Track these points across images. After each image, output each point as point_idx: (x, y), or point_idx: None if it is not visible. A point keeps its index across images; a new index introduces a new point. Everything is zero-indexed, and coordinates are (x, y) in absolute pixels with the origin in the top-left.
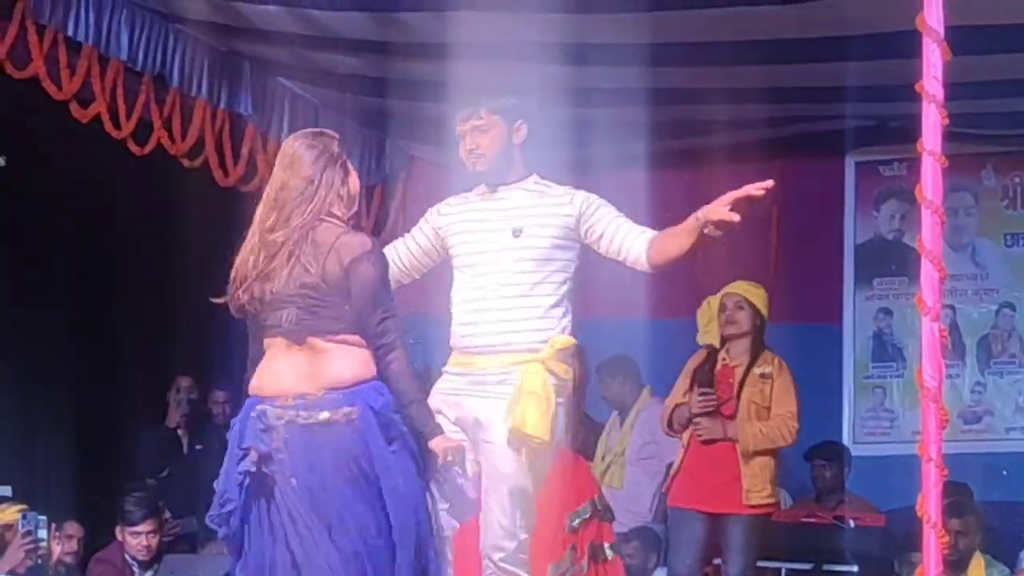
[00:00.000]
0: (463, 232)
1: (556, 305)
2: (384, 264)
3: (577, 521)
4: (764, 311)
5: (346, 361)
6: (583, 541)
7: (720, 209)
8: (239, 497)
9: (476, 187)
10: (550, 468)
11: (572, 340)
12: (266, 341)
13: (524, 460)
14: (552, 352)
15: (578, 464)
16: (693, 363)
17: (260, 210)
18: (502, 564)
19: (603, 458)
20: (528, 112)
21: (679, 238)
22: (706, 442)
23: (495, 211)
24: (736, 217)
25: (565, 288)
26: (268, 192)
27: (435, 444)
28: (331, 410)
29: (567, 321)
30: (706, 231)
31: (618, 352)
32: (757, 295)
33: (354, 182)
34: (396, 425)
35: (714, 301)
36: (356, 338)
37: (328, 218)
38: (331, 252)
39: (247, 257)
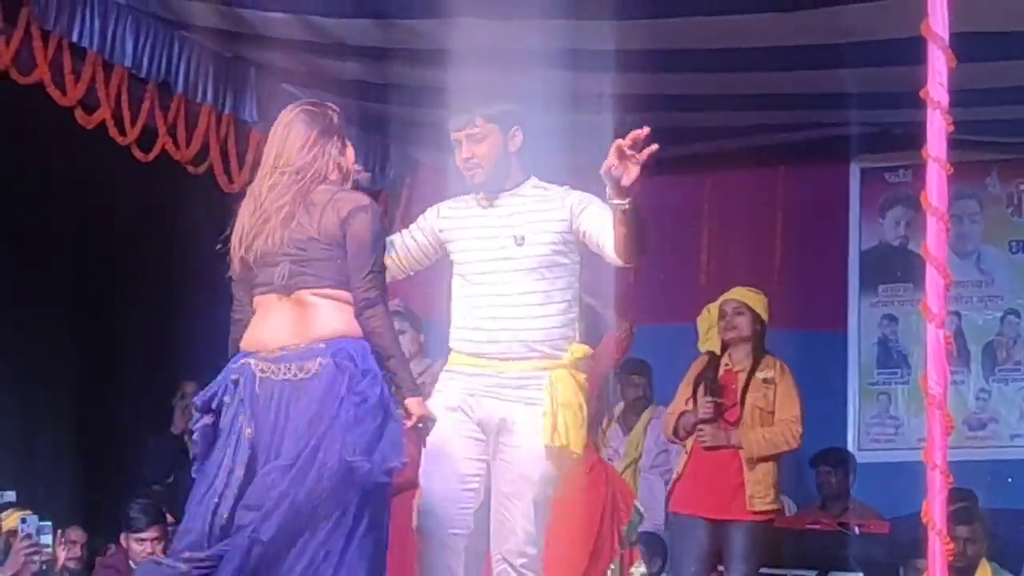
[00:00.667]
0: (465, 239)
1: (567, 310)
2: (380, 221)
3: (635, 536)
4: (764, 316)
5: (333, 315)
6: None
7: (608, 163)
8: (201, 446)
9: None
10: (584, 477)
11: (588, 348)
12: (257, 300)
13: (554, 470)
14: (574, 360)
15: (609, 470)
16: (695, 369)
17: (259, 174)
18: (523, 570)
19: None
20: (522, 118)
21: (616, 226)
22: (709, 448)
23: (496, 218)
24: (617, 165)
25: (572, 292)
26: (266, 157)
27: (412, 404)
28: (308, 360)
29: (579, 325)
30: (609, 201)
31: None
32: (756, 300)
33: (350, 155)
34: (362, 384)
35: (714, 308)
36: (346, 294)
37: (324, 183)
38: (328, 207)
39: (245, 218)
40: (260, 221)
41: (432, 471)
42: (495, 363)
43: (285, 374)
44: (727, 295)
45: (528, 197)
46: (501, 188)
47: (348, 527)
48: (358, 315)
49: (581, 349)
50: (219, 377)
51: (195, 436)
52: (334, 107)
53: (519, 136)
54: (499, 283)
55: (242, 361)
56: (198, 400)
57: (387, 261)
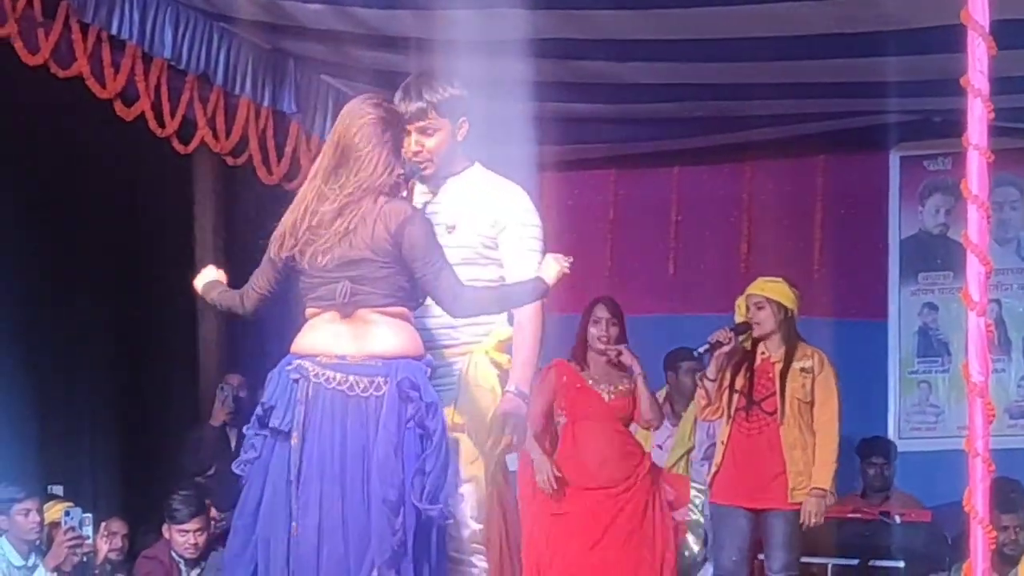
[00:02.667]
0: None
1: None
2: (429, 224)
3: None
4: (788, 303)
5: (392, 332)
6: None
7: None
8: (260, 448)
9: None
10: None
11: (511, 331)
12: (310, 310)
13: (474, 449)
14: (494, 343)
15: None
16: (733, 357)
17: (319, 169)
18: (452, 553)
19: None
20: (469, 105)
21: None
22: (748, 438)
23: (434, 204)
24: None
25: (499, 279)
26: (330, 156)
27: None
28: (367, 377)
29: (504, 315)
30: None
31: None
32: (776, 290)
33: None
34: (416, 403)
35: (742, 303)
36: (404, 311)
37: (377, 190)
38: (377, 221)
39: (299, 214)
40: (316, 226)
41: None
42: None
43: (340, 385)
44: (749, 289)
45: (468, 185)
46: (446, 175)
47: (413, 563)
48: (449, 306)
49: (504, 332)
50: (273, 379)
51: (251, 441)
52: (397, 108)
53: (466, 126)
54: None
55: (296, 362)
56: (259, 410)
57: None
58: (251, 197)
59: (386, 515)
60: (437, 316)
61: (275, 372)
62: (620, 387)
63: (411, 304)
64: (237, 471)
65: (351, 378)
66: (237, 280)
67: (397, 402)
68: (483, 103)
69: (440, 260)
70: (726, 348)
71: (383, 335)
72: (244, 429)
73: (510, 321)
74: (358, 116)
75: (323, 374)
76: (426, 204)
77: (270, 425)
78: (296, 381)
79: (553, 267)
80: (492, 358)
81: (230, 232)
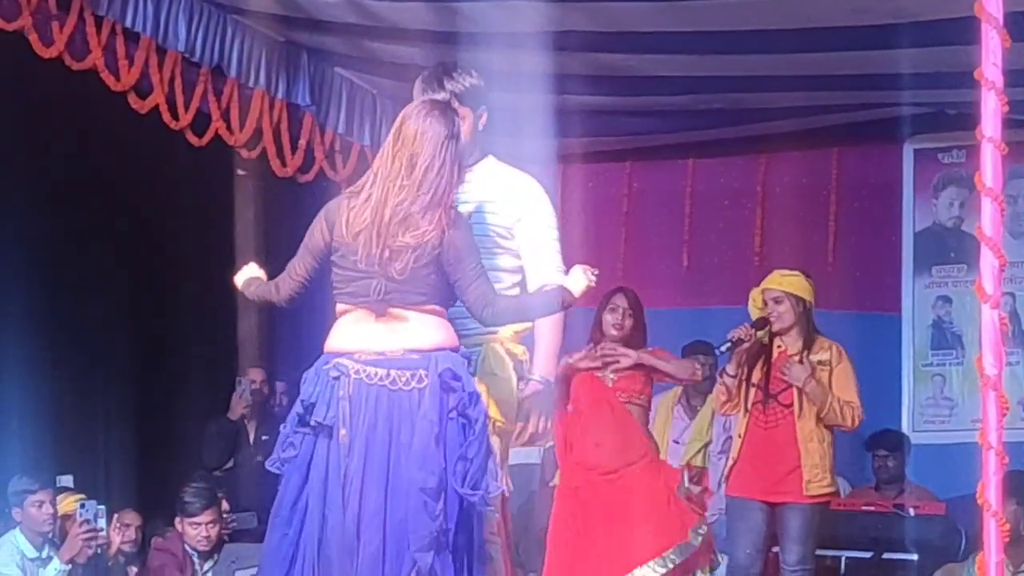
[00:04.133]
0: None
1: (510, 288)
2: (469, 230)
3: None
4: (806, 296)
5: (427, 326)
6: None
7: None
8: (300, 445)
9: None
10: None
11: (529, 324)
12: (341, 306)
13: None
14: (510, 334)
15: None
16: (749, 349)
17: (380, 168)
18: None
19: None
20: (488, 96)
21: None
22: (765, 431)
23: None
24: None
25: (517, 277)
26: (397, 159)
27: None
28: (408, 370)
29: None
30: None
31: (696, 338)
32: (793, 283)
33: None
34: (459, 393)
35: (757, 295)
36: (439, 308)
37: (446, 205)
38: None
39: (364, 214)
40: (369, 222)
41: None
42: None
43: (383, 380)
44: (765, 283)
45: (485, 176)
46: (464, 165)
47: (453, 551)
48: (479, 314)
49: (518, 324)
50: (311, 378)
51: (290, 440)
52: (457, 113)
53: (485, 116)
54: None
55: (335, 361)
56: (299, 408)
57: None
58: (271, 191)
59: (424, 501)
60: (454, 306)
61: (312, 372)
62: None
63: (445, 303)
64: (272, 469)
65: (393, 372)
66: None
67: (439, 392)
68: (498, 95)
69: (477, 267)
70: (746, 344)
71: (418, 330)
72: (280, 427)
73: None
74: (431, 133)
75: (364, 371)
76: (474, 195)
77: (313, 421)
78: (336, 379)
79: (580, 279)
80: (508, 348)
81: (250, 226)
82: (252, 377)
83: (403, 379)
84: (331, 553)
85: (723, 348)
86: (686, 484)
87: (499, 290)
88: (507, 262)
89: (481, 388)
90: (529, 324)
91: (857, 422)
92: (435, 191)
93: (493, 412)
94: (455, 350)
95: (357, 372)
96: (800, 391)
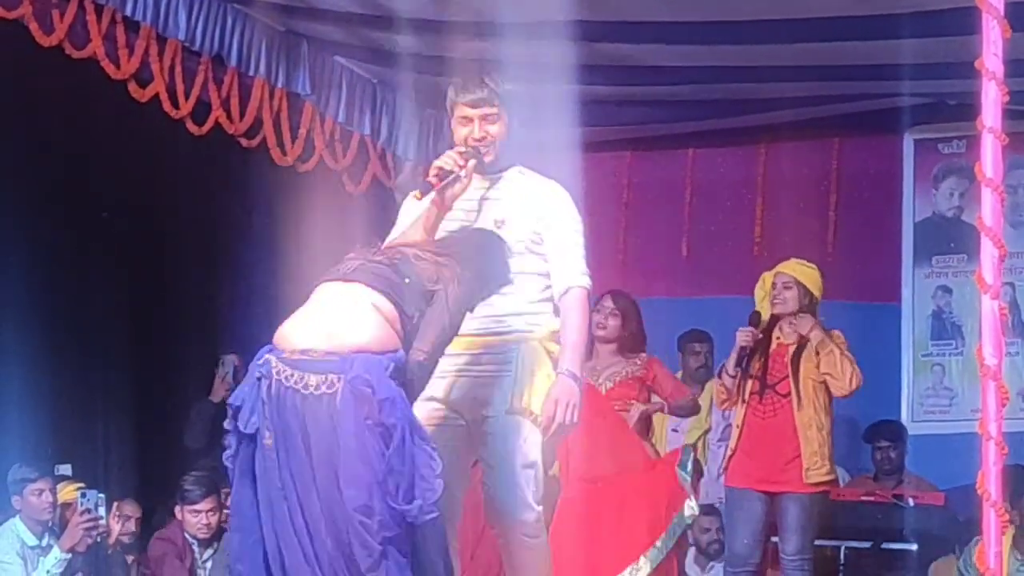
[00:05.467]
0: (449, 219)
1: (543, 288)
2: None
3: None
4: (815, 290)
5: (363, 324)
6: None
7: None
8: (236, 445)
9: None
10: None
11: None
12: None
13: (531, 434)
14: (547, 332)
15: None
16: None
17: None
18: (524, 537)
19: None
20: (518, 97)
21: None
22: (763, 421)
23: (481, 200)
24: None
25: (548, 282)
26: None
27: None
28: (320, 374)
29: (551, 306)
30: None
31: (693, 327)
32: (807, 274)
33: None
34: (370, 401)
35: (768, 278)
36: (389, 306)
37: None
38: None
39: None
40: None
41: None
42: (469, 340)
43: (296, 384)
44: (779, 267)
45: (515, 182)
46: (495, 170)
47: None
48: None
49: (554, 323)
50: (249, 375)
51: (228, 438)
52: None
53: (512, 119)
54: None
55: (265, 356)
56: (231, 409)
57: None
58: (268, 180)
59: (359, 520)
60: (491, 304)
61: (252, 365)
62: (626, 372)
63: (400, 301)
64: (227, 464)
65: (307, 376)
66: (261, 267)
67: (352, 400)
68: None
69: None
70: (751, 346)
71: (353, 326)
72: (224, 423)
73: (558, 314)
74: None
75: (283, 371)
76: (482, 198)
77: (237, 427)
78: (259, 379)
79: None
80: (546, 347)
81: (248, 215)
82: (224, 360)
83: (314, 384)
84: (291, 556)
85: (737, 366)
86: (689, 466)
87: (531, 295)
88: (537, 267)
89: (522, 387)
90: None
91: (855, 383)
92: None
93: (536, 409)
94: (382, 353)
95: (279, 372)
96: (797, 381)
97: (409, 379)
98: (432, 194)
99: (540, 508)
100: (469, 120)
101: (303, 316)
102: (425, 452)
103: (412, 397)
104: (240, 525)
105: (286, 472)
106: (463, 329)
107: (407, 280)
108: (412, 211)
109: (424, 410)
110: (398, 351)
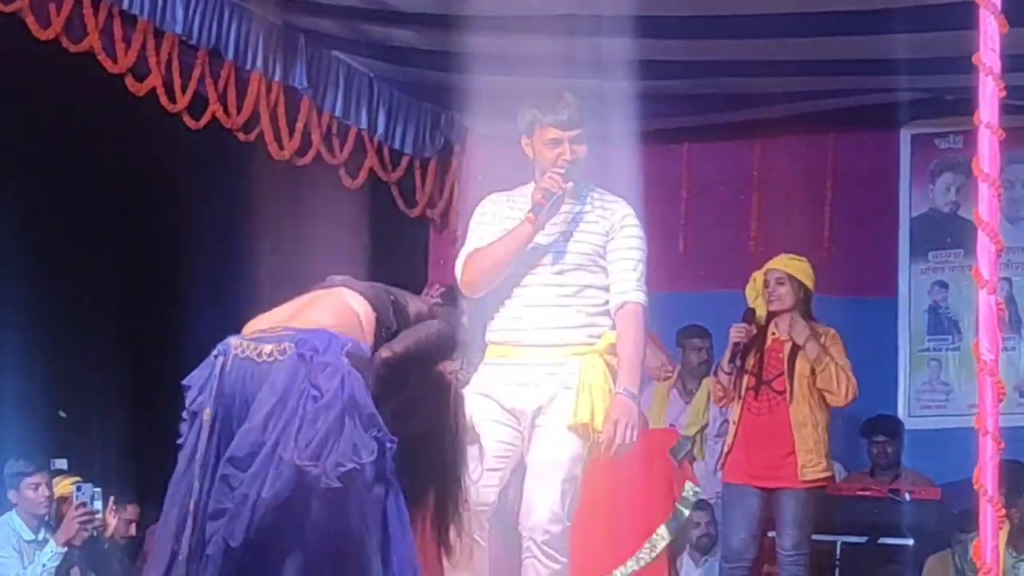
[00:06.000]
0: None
1: (603, 302)
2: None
3: (682, 454)
4: (808, 283)
5: (326, 311)
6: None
7: None
8: (187, 434)
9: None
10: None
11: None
12: None
13: (582, 449)
14: (605, 346)
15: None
16: (738, 335)
17: None
18: (544, 547)
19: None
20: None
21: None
22: (759, 418)
23: (568, 214)
24: None
25: (607, 295)
26: None
27: None
28: (273, 343)
29: (610, 320)
30: None
31: (692, 322)
32: (799, 268)
33: None
34: (320, 377)
35: (759, 276)
36: (367, 308)
37: None
38: None
39: None
40: None
41: None
42: (531, 351)
43: (252, 352)
44: (770, 264)
45: (579, 199)
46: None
47: (306, 534)
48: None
49: (612, 336)
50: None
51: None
52: None
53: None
54: (538, 274)
55: (227, 339)
56: (185, 382)
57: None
58: (265, 174)
59: (227, 473)
60: (551, 315)
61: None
62: None
63: (381, 313)
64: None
65: (261, 346)
66: (260, 262)
67: (295, 362)
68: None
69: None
70: (745, 342)
71: (321, 309)
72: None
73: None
74: None
75: (240, 345)
76: (573, 215)
77: (187, 407)
78: (216, 358)
79: None
80: (605, 359)
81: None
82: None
83: (268, 351)
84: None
85: (728, 362)
86: (687, 447)
87: (596, 306)
88: (599, 281)
89: (580, 395)
90: None
91: (851, 395)
92: None
93: (597, 423)
94: (333, 330)
95: (236, 347)
96: (792, 377)
97: (376, 374)
98: (529, 214)
99: (568, 524)
100: (559, 141)
101: (274, 309)
102: (359, 432)
103: (377, 391)
104: (171, 495)
105: (214, 443)
106: (525, 339)
107: (393, 297)
108: (492, 226)
109: (479, 404)
110: (362, 343)
